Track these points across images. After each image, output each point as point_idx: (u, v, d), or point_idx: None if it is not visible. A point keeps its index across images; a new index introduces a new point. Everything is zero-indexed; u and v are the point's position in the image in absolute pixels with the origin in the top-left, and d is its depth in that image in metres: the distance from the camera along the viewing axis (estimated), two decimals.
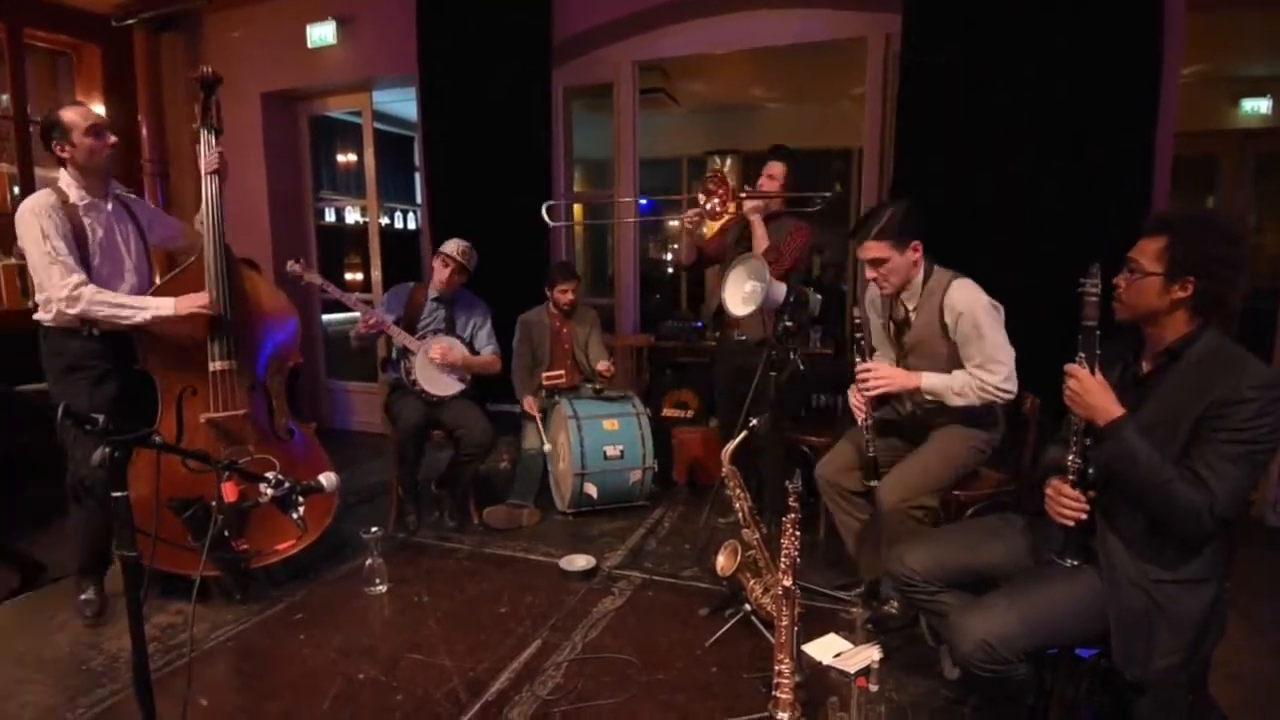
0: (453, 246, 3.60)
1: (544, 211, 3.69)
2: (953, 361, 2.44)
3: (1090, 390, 1.61)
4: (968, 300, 2.36)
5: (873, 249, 2.37)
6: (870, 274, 2.44)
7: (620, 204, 4.74)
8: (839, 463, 2.66)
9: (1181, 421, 1.56)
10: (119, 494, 1.31)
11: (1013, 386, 2.33)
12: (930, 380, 2.40)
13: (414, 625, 2.69)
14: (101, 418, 1.27)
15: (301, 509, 1.67)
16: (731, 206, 3.06)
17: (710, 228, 3.56)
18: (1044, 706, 1.80)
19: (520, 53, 4.44)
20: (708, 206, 3.02)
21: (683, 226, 3.18)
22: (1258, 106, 6.12)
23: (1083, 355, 1.64)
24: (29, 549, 3.33)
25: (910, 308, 2.50)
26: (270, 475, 1.63)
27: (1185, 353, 1.61)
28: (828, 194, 3.11)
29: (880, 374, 2.41)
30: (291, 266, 3.28)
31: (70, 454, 2.63)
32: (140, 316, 2.63)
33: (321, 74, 5.11)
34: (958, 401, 2.36)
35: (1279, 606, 2.74)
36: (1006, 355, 2.33)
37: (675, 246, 8.47)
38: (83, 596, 2.76)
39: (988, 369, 2.32)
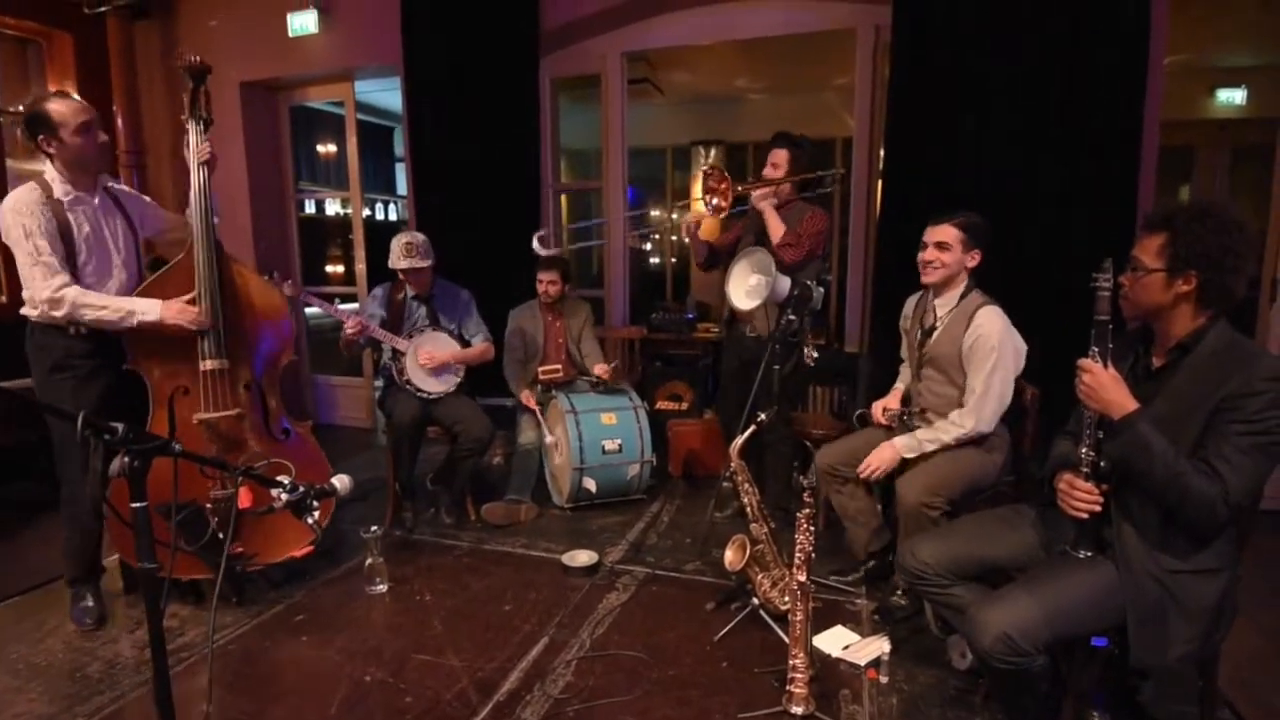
0: (406, 249, 3.42)
1: (534, 242, 3.68)
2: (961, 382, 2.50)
3: (1104, 384, 1.62)
4: (993, 327, 2.41)
5: (947, 232, 2.49)
6: (929, 255, 2.52)
7: (608, 196, 4.70)
8: (840, 452, 2.72)
9: (1195, 414, 1.59)
10: (138, 505, 1.28)
11: (984, 429, 2.42)
12: (903, 442, 2.51)
13: (418, 625, 2.66)
14: (121, 427, 1.23)
15: (317, 514, 1.64)
16: (732, 199, 3.02)
17: (707, 226, 3.54)
18: (1057, 696, 1.82)
19: (507, 43, 4.39)
20: (713, 202, 2.99)
21: (689, 231, 3.12)
22: (1232, 97, 6.19)
23: (1095, 349, 1.65)
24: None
25: (940, 314, 2.57)
26: (285, 480, 1.60)
27: (1196, 346, 1.63)
28: (835, 172, 3.07)
29: (870, 464, 2.53)
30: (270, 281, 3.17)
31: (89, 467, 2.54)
32: (127, 322, 2.56)
33: (303, 63, 4.99)
34: (930, 448, 2.47)
35: (1268, 587, 2.79)
36: (996, 407, 2.42)
37: (657, 236, 8.44)
38: (82, 605, 2.71)
39: (966, 417, 2.42)
